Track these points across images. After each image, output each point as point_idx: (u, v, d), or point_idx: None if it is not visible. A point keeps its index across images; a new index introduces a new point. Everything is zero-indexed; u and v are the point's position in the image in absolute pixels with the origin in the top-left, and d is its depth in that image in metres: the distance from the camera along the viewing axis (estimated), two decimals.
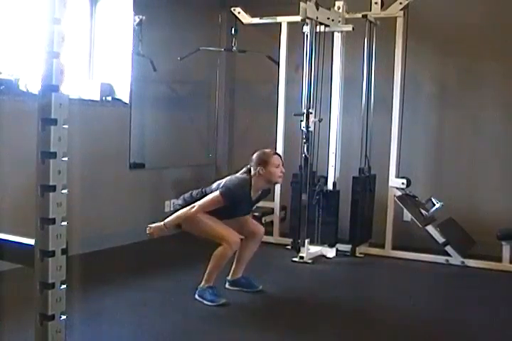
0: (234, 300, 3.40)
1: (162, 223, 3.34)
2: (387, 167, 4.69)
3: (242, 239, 3.43)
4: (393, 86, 4.67)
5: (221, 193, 3.31)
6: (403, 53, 4.63)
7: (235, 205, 3.35)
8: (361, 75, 4.76)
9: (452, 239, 4.48)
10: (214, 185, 3.45)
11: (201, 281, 3.39)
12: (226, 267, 3.51)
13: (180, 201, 3.49)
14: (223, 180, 3.43)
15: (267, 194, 3.69)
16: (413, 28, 4.67)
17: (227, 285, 3.61)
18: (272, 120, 4.99)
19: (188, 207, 3.34)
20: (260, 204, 5.09)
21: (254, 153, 3.48)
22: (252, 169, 3.43)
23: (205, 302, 3.33)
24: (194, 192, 3.49)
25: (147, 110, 5.14)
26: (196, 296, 3.38)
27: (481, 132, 4.92)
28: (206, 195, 3.40)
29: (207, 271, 3.38)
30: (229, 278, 3.61)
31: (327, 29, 4.62)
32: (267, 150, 3.52)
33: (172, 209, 3.55)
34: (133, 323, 3.06)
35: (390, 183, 4.69)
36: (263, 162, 3.39)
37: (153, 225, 3.35)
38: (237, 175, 3.49)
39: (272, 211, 5.07)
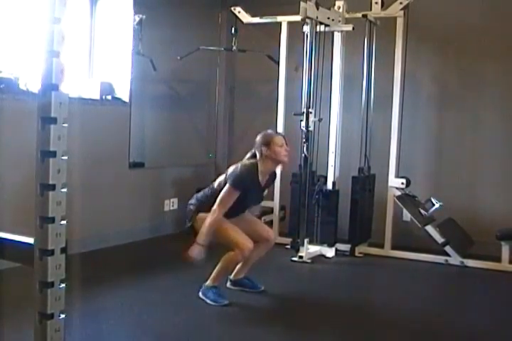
0: (234, 299, 3.39)
1: (196, 244, 3.17)
2: (387, 167, 4.69)
3: (253, 242, 3.37)
4: (393, 86, 4.67)
5: (231, 185, 3.24)
6: (403, 53, 4.63)
7: (245, 193, 3.28)
8: (361, 75, 4.77)
9: (452, 239, 4.48)
10: (221, 178, 3.39)
11: (206, 280, 3.39)
12: None
13: (193, 200, 3.44)
14: (229, 170, 3.37)
15: (274, 178, 3.62)
16: (413, 28, 4.67)
17: (228, 285, 3.60)
18: (271, 120, 4.99)
19: (208, 215, 3.23)
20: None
21: (257, 136, 3.43)
22: (256, 152, 3.40)
23: (207, 301, 3.33)
24: (205, 190, 3.45)
25: (147, 109, 5.14)
26: (200, 294, 3.38)
27: (481, 132, 4.92)
28: (215, 190, 3.35)
29: (214, 272, 3.37)
30: (231, 277, 3.61)
31: (327, 29, 4.62)
32: (270, 131, 3.46)
33: (187, 209, 3.44)
34: (133, 323, 3.06)
35: (390, 183, 4.69)
36: (266, 142, 3.35)
37: (190, 251, 3.15)
38: (243, 161, 3.43)
39: (271, 211, 5.06)
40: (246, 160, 3.45)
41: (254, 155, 3.43)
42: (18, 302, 2.79)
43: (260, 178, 3.38)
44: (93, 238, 4.47)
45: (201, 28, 5.54)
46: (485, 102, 4.90)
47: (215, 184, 3.42)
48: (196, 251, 3.16)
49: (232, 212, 3.33)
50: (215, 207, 3.25)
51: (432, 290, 3.93)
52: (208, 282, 3.39)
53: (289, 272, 4.23)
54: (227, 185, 3.27)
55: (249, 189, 3.31)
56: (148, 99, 5.14)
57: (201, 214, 3.32)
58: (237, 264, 3.45)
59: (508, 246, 4.28)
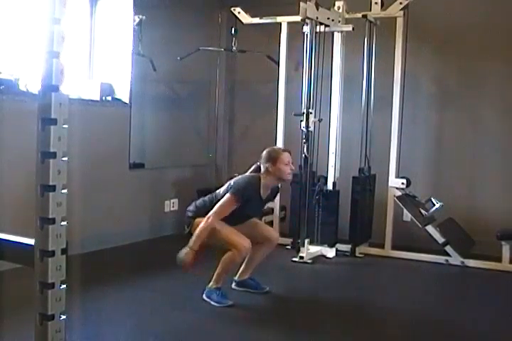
0: (235, 300, 3.39)
1: (188, 249, 3.17)
2: (387, 167, 4.69)
3: (256, 243, 3.38)
4: (393, 86, 4.67)
5: (232, 194, 3.25)
6: (403, 53, 4.63)
7: (245, 205, 3.29)
8: (361, 75, 4.76)
9: (452, 239, 4.48)
10: (223, 188, 3.39)
11: (209, 282, 3.38)
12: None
13: (191, 207, 3.44)
14: (232, 181, 3.38)
15: (277, 193, 3.65)
16: (413, 28, 4.67)
17: (233, 286, 3.60)
18: (271, 120, 4.99)
19: (203, 220, 3.23)
20: None
21: (264, 150, 3.43)
22: (261, 166, 3.40)
23: (212, 303, 3.32)
24: (206, 198, 3.45)
25: (147, 110, 5.14)
26: (204, 296, 3.37)
27: (481, 132, 4.92)
28: (217, 199, 3.34)
29: (215, 273, 3.37)
30: (236, 278, 3.60)
31: (327, 29, 4.62)
32: (277, 147, 3.48)
33: (185, 216, 3.44)
34: (133, 323, 3.05)
35: (390, 183, 4.69)
36: (272, 159, 3.34)
37: (181, 255, 3.16)
38: (247, 174, 3.45)
39: (271, 211, 5.06)
40: (249, 172, 3.45)
41: (258, 169, 3.43)
42: (18, 304, 2.79)
43: (262, 192, 3.37)
44: (94, 239, 4.47)
45: (201, 29, 5.55)
46: (485, 102, 4.90)
47: (217, 192, 3.41)
48: (189, 257, 3.15)
49: (231, 222, 3.31)
50: (210, 213, 3.24)
51: (433, 290, 3.92)
52: (211, 283, 3.38)
53: (290, 272, 4.23)
54: (228, 194, 3.27)
55: (250, 200, 3.31)
56: (149, 100, 5.14)
57: (198, 220, 3.31)
58: (236, 265, 3.43)
59: (509, 246, 4.28)
